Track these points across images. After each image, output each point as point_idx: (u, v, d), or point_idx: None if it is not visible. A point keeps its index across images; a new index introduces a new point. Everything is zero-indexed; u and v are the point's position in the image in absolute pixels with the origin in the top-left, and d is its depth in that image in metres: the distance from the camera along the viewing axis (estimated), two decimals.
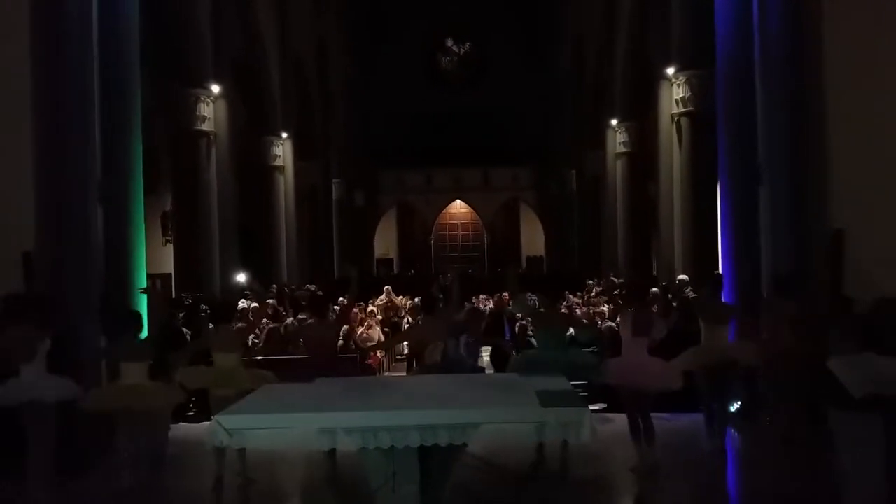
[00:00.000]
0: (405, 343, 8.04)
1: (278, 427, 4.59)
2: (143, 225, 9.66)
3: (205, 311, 12.71)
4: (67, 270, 8.01)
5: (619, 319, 6.36)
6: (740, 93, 9.68)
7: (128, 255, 9.18)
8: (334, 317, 7.34)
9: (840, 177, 7.83)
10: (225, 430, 4.51)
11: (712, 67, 11.44)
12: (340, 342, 7.67)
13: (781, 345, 6.58)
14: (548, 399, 4.76)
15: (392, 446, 4.56)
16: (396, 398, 4.96)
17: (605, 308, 11.52)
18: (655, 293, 11.84)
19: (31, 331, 5.97)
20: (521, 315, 8.88)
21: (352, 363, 6.55)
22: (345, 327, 8.64)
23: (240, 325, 8.37)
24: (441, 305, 6.70)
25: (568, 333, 6.94)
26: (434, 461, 4.82)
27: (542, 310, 6.88)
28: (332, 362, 6.33)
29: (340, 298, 15.66)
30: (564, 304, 14.42)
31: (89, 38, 8.55)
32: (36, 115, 7.99)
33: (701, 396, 6.84)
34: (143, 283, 9.42)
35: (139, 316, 6.90)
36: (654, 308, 7.51)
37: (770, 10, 8.66)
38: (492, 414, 4.63)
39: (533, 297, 7.90)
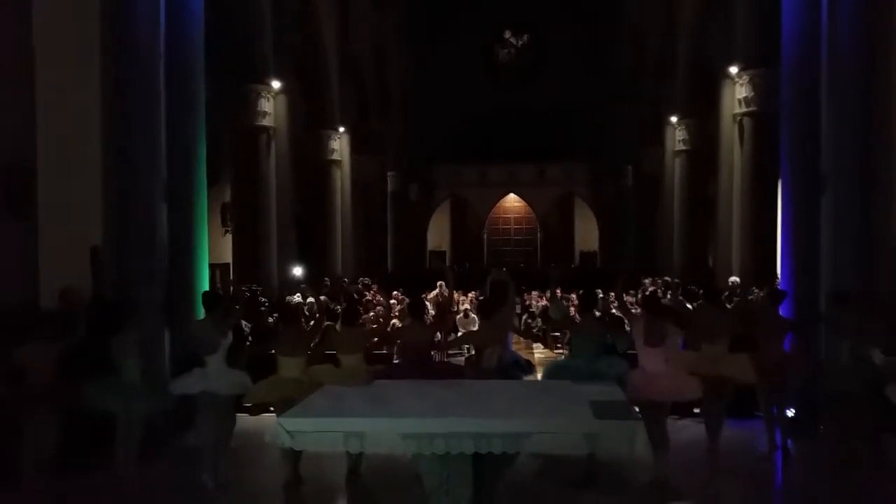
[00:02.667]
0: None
1: (337, 430, 4.72)
2: (206, 221, 9.96)
3: (264, 303, 13.08)
4: (134, 265, 8.34)
5: (632, 330, 6.26)
6: (805, 95, 9.42)
7: (191, 252, 9.49)
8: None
9: None
10: (287, 431, 4.69)
11: (777, 67, 11.17)
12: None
13: (771, 359, 6.44)
14: (601, 410, 4.79)
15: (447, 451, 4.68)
16: (454, 404, 5.04)
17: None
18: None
19: (213, 325, 6.34)
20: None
21: (444, 367, 6.62)
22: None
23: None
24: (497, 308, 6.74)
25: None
26: (487, 466, 4.90)
27: (576, 316, 6.86)
28: (423, 366, 6.44)
29: (395, 292, 15.95)
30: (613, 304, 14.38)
31: (157, 36, 8.83)
32: (104, 113, 8.30)
33: (759, 402, 6.75)
34: (206, 277, 9.73)
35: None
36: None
37: (840, 11, 8.41)
38: (545, 424, 4.67)
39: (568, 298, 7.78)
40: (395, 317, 10.70)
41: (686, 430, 6.67)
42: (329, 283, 17.28)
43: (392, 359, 7.43)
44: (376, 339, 7.27)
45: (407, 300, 14.75)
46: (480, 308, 6.74)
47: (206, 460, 6.13)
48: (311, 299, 14.30)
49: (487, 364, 6.28)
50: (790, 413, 6.75)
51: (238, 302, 8.06)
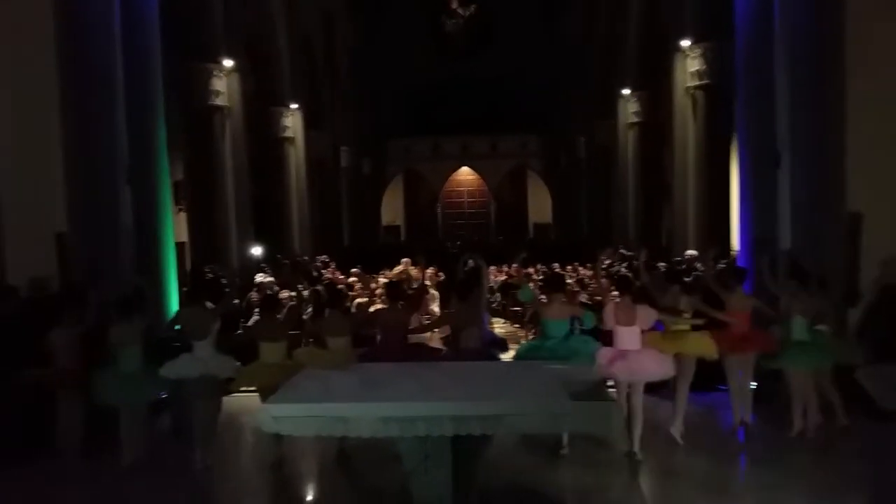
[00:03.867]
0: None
1: (321, 415, 4.77)
2: (170, 203, 9.82)
3: (225, 285, 12.93)
4: (100, 249, 8.23)
5: (604, 310, 6.44)
6: (759, 69, 9.61)
7: (156, 234, 9.38)
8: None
9: (858, 159, 7.84)
10: (272, 417, 4.73)
11: (729, 40, 11.35)
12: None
13: (737, 335, 6.67)
14: (576, 391, 4.93)
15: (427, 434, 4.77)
16: (434, 386, 5.12)
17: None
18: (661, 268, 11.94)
19: (204, 310, 6.40)
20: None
21: (421, 349, 6.71)
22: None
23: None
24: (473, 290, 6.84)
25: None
26: (466, 447, 5.02)
27: (544, 298, 7.00)
28: (403, 347, 6.54)
29: (353, 269, 15.92)
30: (574, 277, 14.62)
31: (112, 18, 8.63)
32: (63, 98, 8.10)
33: (726, 377, 6.98)
34: (173, 259, 9.62)
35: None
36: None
37: None
38: (523, 406, 4.79)
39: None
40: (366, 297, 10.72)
41: (652, 405, 6.87)
42: (288, 262, 17.13)
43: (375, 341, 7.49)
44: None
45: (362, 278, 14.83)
46: (458, 290, 6.82)
47: (198, 442, 6.20)
48: (270, 279, 14.20)
49: (466, 344, 6.38)
50: (753, 386, 6.99)
51: (227, 287, 8.05)
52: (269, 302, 6.91)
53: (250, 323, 9.99)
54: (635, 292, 6.44)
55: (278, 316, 7.07)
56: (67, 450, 6.37)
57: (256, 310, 10.36)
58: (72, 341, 6.36)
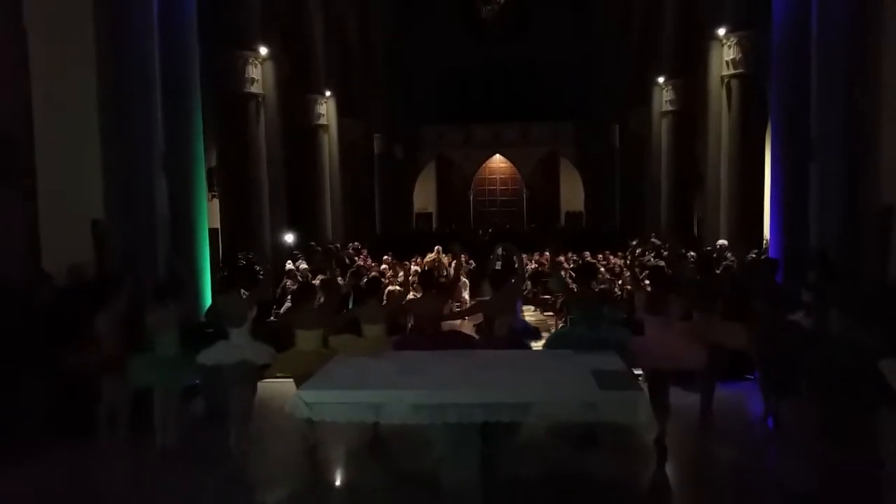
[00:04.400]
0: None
1: (353, 402, 4.91)
2: (205, 190, 10.03)
3: (259, 272, 13.19)
4: (136, 236, 8.45)
5: (636, 299, 6.46)
6: (795, 61, 9.54)
7: (191, 220, 9.59)
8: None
9: (892, 151, 7.75)
10: (305, 403, 4.88)
11: (765, 29, 11.25)
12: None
13: (763, 327, 6.66)
14: (605, 380, 5.00)
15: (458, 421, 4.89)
16: (464, 375, 5.24)
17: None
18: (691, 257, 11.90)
19: (241, 298, 6.53)
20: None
21: (454, 336, 6.80)
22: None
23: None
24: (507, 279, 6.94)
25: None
26: (495, 433, 5.13)
27: (574, 287, 7.04)
28: (436, 335, 6.64)
29: (385, 257, 16.09)
30: (605, 265, 14.61)
31: (150, 7, 8.81)
32: (101, 87, 8.31)
33: (755, 368, 6.97)
34: (206, 248, 9.84)
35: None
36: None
37: None
38: (553, 395, 4.88)
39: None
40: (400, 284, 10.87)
41: (681, 394, 6.92)
42: (321, 249, 17.36)
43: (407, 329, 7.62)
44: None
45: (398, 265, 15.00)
46: (492, 279, 6.91)
47: (234, 428, 6.36)
48: (303, 266, 14.43)
49: (499, 333, 6.49)
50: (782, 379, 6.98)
51: (262, 274, 8.24)
52: (305, 290, 7.03)
53: (282, 310, 10.21)
54: (667, 282, 6.46)
55: (315, 303, 7.19)
56: (114, 430, 6.56)
57: (289, 297, 10.58)
58: (115, 326, 6.52)
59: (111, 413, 6.57)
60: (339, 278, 12.61)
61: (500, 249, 8.86)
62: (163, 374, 6.34)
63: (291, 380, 6.31)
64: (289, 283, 12.34)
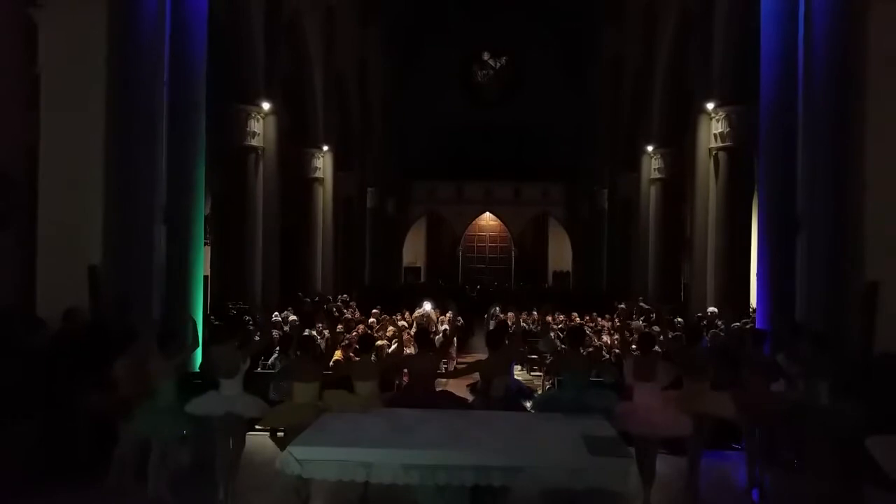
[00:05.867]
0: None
1: (344, 460, 4.94)
2: (203, 243, 10.11)
3: (249, 322, 13.19)
4: (132, 283, 8.48)
5: (625, 365, 6.56)
6: (782, 137, 9.75)
7: (187, 269, 9.64)
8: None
9: (877, 228, 7.95)
10: (296, 460, 4.90)
11: (753, 103, 11.58)
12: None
13: (751, 398, 6.74)
14: (595, 446, 5.06)
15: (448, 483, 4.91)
16: (456, 436, 5.28)
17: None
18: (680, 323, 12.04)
19: (234, 349, 6.56)
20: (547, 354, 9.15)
21: (448, 397, 6.81)
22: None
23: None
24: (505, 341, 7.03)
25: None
26: (485, 495, 5.14)
27: (564, 348, 7.10)
28: (431, 394, 6.64)
29: (374, 310, 16.13)
30: (591, 327, 14.71)
31: (161, 61, 9.01)
32: (107, 133, 8.42)
33: (742, 438, 7.02)
34: (201, 299, 9.88)
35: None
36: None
37: (815, 54, 8.70)
38: (543, 459, 4.94)
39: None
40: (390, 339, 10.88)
41: (666, 462, 6.95)
42: (309, 301, 17.39)
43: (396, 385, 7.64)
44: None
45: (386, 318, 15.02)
46: (489, 340, 6.96)
47: (220, 479, 6.32)
48: (292, 317, 14.44)
49: (495, 393, 6.53)
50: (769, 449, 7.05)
51: (254, 325, 8.27)
52: (304, 342, 7.05)
53: (270, 361, 10.20)
54: (655, 349, 6.56)
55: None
56: (125, 474, 6.54)
57: (277, 348, 10.58)
58: (133, 371, 6.56)
59: (123, 457, 6.55)
60: (326, 331, 12.63)
61: (497, 309, 8.97)
62: (161, 423, 6.33)
63: (284, 433, 6.29)
64: (274, 332, 12.33)
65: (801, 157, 9.02)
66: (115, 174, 8.46)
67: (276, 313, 14.62)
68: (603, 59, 27.79)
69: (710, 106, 14.98)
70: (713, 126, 14.96)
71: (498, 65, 37.48)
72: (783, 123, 9.66)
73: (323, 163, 21.22)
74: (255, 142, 15.24)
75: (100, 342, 7.36)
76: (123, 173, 8.51)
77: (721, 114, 14.70)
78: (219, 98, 14.57)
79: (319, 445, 5.09)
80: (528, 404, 7.08)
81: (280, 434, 6.54)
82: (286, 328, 13.13)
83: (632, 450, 5.73)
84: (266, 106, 15.39)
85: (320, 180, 21.21)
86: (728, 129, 14.55)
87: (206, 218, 19.81)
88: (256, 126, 15.21)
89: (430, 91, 34.63)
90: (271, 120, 15.88)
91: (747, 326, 10.47)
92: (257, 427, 7.08)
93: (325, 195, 21.71)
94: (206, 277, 18.57)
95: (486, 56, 37.45)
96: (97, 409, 6.62)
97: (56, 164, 8.21)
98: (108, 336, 7.50)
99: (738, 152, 14.38)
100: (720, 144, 14.75)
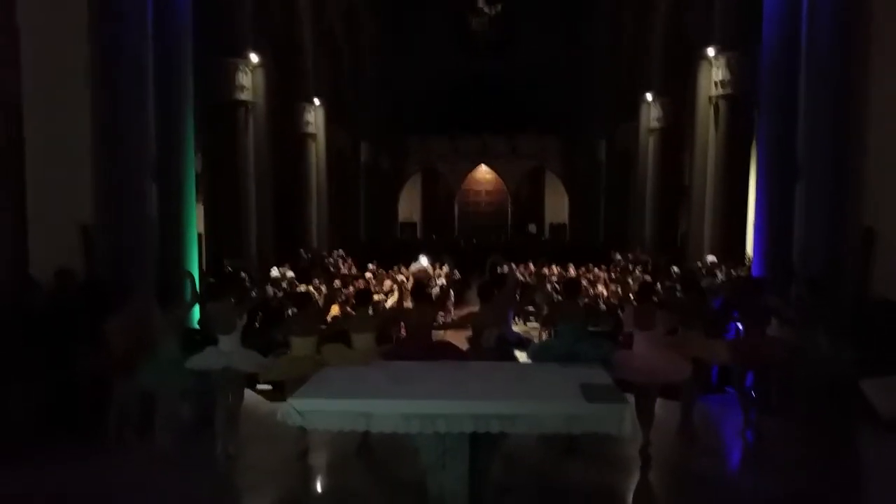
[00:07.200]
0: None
1: (344, 410, 4.95)
2: (195, 198, 10.02)
3: (245, 279, 13.18)
4: (125, 242, 8.42)
5: (622, 314, 6.58)
6: (783, 83, 9.63)
7: (180, 226, 9.57)
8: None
9: (876, 173, 7.90)
10: (297, 411, 4.92)
11: (754, 50, 11.40)
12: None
13: (746, 343, 6.81)
14: (591, 393, 5.08)
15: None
16: (455, 385, 5.30)
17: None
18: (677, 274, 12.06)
19: (231, 305, 6.60)
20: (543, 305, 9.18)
21: (446, 347, 6.80)
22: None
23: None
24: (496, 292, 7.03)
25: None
26: (483, 443, 5.18)
27: (560, 299, 7.12)
28: (428, 346, 6.69)
29: (370, 265, 16.13)
30: (587, 278, 14.74)
31: (145, 14, 8.80)
32: (94, 92, 8.27)
33: (735, 382, 7.10)
34: (195, 255, 9.83)
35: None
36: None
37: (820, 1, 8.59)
38: (540, 406, 4.96)
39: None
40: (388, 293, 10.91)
41: (666, 406, 7.02)
42: (308, 255, 17.37)
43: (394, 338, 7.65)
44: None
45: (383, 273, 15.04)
46: (481, 291, 6.97)
47: (220, 433, 6.38)
48: (290, 273, 14.44)
49: (486, 344, 6.55)
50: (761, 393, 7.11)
51: (250, 282, 8.28)
52: (302, 298, 7.07)
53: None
54: (655, 297, 6.57)
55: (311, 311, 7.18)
56: (122, 432, 6.62)
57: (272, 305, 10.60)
58: (126, 330, 6.61)
59: (120, 415, 6.62)
60: (322, 286, 12.65)
61: (496, 260, 8.94)
62: (164, 377, 6.37)
63: (284, 385, 6.32)
64: (271, 289, 12.33)
65: (802, 102, 8.92)
66: (102, 131, 8.33)
67: (276, 268, 14.63)
68: (601, 5, 27.25)
69: (710, 52, 14.73)
70: (713, 73, 14.74)
71: (493, 12, 36.73)
72: (784, 70, 9.52)
73: (315, 117, 20.95)
74: (244, 96, 15.00)
75: (96, 301, 7.35)
76: (111, 130, 8.37)
77: (721, 60, 14.46)
78: (206, 52, 14.30)
79: (320, 397, 5.10)
80: (524, 354, 7.11)
81: (262, 387, 6.58)
82: (284, 285, 13.16)
83: (630, 396, 5.76)
84: (255, 59, 15.11)
85: (313, 135, 20.96)
86: (728, 76, 14.34)
87: (197, 175, 19.84)
88: (245, 80, 14.95)
89: (423, 42, 34.04)
90: (260, 73, 15.61)
91: (743, 274, 10.48)
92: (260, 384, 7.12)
93: (318, 150, 21.49)
94: (200, 235, 18.60)
95: (480, 3, 36.68)
96: (95, 367, 6.64)
97: (41, 123, 8.04)
98: (104, 295, 7.49)
99: (738, 100, 14.19)
100: (720, 92, 14.56)
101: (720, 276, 11.26)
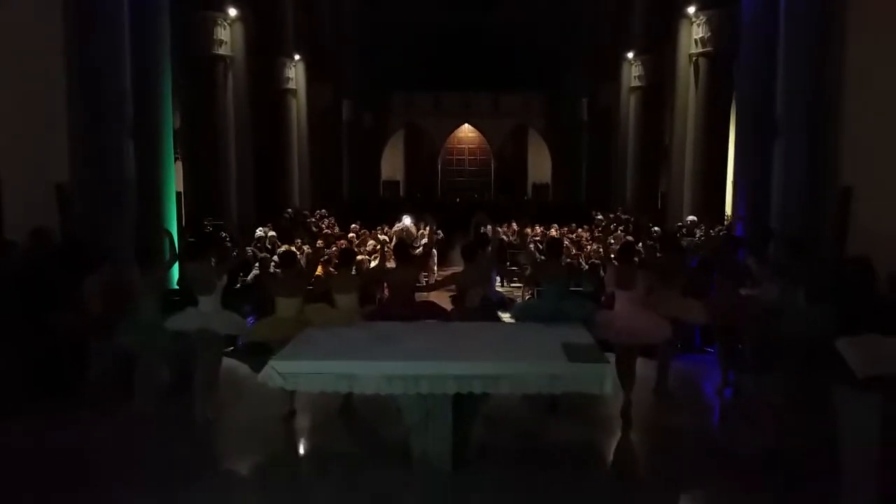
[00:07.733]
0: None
1: (327, 372, 4.98)
2: (172, 154, 9.87)
3: (226, 238, 13.08)
4: (102, 201, 8.28)
5: (604, 274, 6.60)
6: (762, 39, 9.64)
7: (158, 185, 9.45)
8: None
9: (853, 134, 7.94)
10: (279, 373, 4.94)
11: (734, 8, 11.36)
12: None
13: (723, 302, 6.89)
14: (573, 353, 5.15)
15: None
16: (437, 346, 5.33)
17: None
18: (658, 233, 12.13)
19: (210, 266, 6.50)
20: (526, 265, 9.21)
21: (430, 307, 6.79)
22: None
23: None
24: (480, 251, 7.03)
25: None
26: (466, 403, 5.24)
27: (542, 259, 7.12)
28: (411, 306, 6.67)
29: (353, 225, 16.06)
30: (570, 238, 14.81)
31: None
32: (68, 49, 8.05)
33: (715, 342, 7.20)
34: (174, 214, 9.73)
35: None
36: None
37: None
38: (523, 367, 5.02)
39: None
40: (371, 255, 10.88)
41: (647, 365, 7.11)
42: (290, 214, 17.24)
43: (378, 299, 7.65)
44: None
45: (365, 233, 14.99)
46: (464, 251, 6.93)
47: (198, 395, 6.35)
48: (271, 233, 14.34)
49: (470, 304, 6.58)
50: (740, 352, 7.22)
51: (230, 242, 8.19)
52: (287, 258, 6.98)
53: (250, 278, 10.18)
54: (636, 257, 6.60)
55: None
56: (99, 393, 6.57)
57: (257, 264, 10.53)
58: (102, 290, 6.59)
59: (98, 375, 6.59)
60: (305, 246, 12.58)
61: (480, 220, 8.93)
62: (142, 337, 6.32)
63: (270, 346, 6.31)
64: (254, 250, 12.25)
65: (780, 61, 8.91)
66: (77, 87, 8.13)
67: (260, 228, 14.52)
68: None
69: (690, 10, 14.64)
70: (694, 31, 14.68)
71: None
72: (764, 26, 9.51)
73: (295, 73, 20.60)
74: (222, 50, 14.70)
75: (73, 261, 7.26)
76: (87, 85, 8.17)
77: (702, 18, 14.41)
78: (183, 4, 13.96)
79: (302, 359, 5.13)
80: (507, 315, 7.15)
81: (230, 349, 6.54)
82: (267, 244, 13.08)
83: (611, 356, 5.83)
84: (233, 12, 14.77)
85: (293, 91, 20.64)
86: (709, 34, 14.31)
87: (175, 132, 19.51)
88: (223, 34, 14.63)
89: None
90: (239, 27, 15.29)
91: (723, 234, 10.57)
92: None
93: (298, 107, 21.19)
94: (178, 194, 18.38)
95: None
96: (71, 328, 6.57)
97: (13, 79, 7.83)
98: (81, 254, 7.38)
99: (718, 58, 14.16)
100: (700, 50, 14.53)
101: (699, 234, 11.35)
